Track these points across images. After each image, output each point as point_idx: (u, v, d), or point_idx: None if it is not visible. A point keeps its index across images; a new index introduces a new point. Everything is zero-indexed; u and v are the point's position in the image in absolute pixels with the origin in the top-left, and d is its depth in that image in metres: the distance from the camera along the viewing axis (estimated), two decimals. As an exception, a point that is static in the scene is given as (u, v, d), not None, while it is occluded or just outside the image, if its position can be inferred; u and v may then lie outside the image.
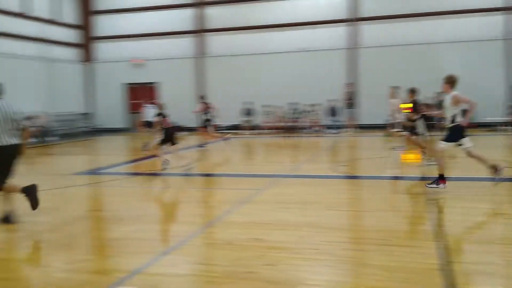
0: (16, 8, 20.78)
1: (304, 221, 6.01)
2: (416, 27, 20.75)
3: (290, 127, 20.68)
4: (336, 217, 6.27)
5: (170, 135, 10.33)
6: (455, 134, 7.36)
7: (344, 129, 19.60)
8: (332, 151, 14.53)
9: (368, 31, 21.37)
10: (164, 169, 10.28)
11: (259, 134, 20.44)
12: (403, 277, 4.05)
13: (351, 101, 18.77)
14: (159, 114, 10.66)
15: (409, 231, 5.54)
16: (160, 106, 11.11)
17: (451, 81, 7.54)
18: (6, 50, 19.95)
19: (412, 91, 10.71)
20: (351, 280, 4.14)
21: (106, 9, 24.79)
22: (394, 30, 20.97)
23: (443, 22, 20.51)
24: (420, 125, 10.41)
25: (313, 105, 20.50)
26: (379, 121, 20.55)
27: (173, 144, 10.43)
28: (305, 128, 20.52)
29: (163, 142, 10.37)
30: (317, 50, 21.77)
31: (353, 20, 21.32)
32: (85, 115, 24.99)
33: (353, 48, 21.36)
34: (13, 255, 5.02)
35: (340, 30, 21.69)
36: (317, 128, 20.12)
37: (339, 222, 6.00)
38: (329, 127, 20.05)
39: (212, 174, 10.75)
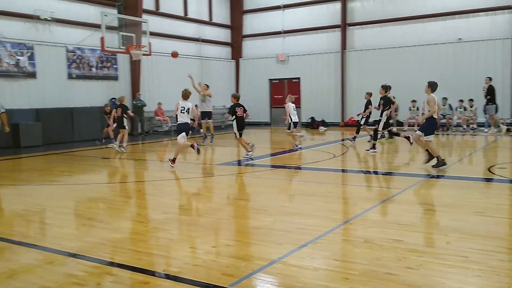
0: (179, 12, 22.94)
1: (450, 225, 5.60)
2: None
3: (440, 124, 19.33)
4: (488, 223, 5.70)
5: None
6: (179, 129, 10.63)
7: (489, 128, 17.82)
8: (487, 151, 13.25)
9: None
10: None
11: (403, 131, 19.52)
12: None
13: (490, 97, 17.16)
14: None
15: None
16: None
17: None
18: (168, 49, 22.08)
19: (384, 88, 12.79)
20: (505, 295, 3.75)
21: (254, 8, 25.90)
22: None
23: None
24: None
25: (461, 100, 18.84)
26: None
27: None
28: (457, 126, 19.02)
29: None
30: (472, 41, 20.04)
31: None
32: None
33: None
34: (166, 235, 5.56)
35: (500, 18, 19.63)
36: (472, 126, 18.46)
37: (491, 230, 5.44)
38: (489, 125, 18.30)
39: (353, 170, 10.58)
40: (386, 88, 13.00)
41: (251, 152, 11.89)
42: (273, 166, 11.61)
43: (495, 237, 5.14)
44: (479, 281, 3.98)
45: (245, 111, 12.20)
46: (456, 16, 20.50)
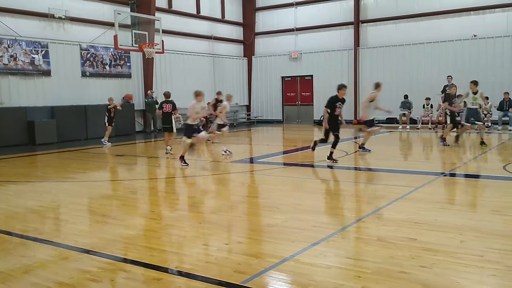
0: (191, 10, 23.02)
1: (465, 224, 5.53)
2: None
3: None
4: (504, 222, 5.62)
5: None
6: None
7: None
8: (502, 149, 13.06)
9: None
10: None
11: (417, 128, 19.35)
12: None
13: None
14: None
15: None
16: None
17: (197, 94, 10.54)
18: (181, 47, 22.24)
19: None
20: (522, 295, 3.69)
21: (266, 5, 25.86)
22: None
23: None
24: None
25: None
26: None
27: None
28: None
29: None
30: (488, 38, 19.78)
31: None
32: (246, 106, 26.59)
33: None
34: (179, 232, 5.59)
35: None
36: (486, 124, 18.19)
37: (507, 229, 5.36)
38: (504, 122, 18.07)
39: (366, 168, 10.52)
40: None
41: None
42: (286, 164, 11.59)
43: (510, 236, 5.07)
44: (494, 280, 3.92)
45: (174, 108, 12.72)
46: (472, 12, 20.23)
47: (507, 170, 9.22)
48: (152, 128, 20.30)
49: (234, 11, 25.89)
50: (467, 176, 9.09)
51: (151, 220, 6.30)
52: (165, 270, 4.33)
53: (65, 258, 4.70)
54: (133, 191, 8.47)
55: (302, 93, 25.26)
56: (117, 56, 19.18)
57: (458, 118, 13.44)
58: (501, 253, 4.50)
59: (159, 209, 7.05)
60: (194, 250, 4.85)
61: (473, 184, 8.47)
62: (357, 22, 23.02)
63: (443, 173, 9.07)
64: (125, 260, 4.62)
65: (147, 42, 17.91)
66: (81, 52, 17.91)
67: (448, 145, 12.88)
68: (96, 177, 9.86)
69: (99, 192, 8.36)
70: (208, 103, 14.39)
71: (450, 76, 17.83)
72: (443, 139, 13.16)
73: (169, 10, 21.63)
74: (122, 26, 17.19)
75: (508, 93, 17.73)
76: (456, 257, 4.40)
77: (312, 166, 10.76)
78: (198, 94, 10.60)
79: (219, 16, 24.74)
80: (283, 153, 13.52)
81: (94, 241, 5.23)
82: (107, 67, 18.89)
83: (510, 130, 16.97)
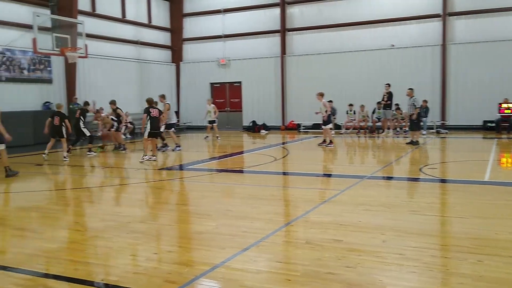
0: (116, 14, 22.36)
1: (386, 224, 5.83)
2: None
3: (375, 127, 20.12)
4: (421, 222, 5.99)
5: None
6: None
7: (384, 131, 18.97)
8: (418, 153, 13.92)
9: (460, 26, 20.42)
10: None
11: (341, 134, 20.11)
12: (495, 289, 3.78)
13: (388, 102, 18.40)
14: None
15: (503, 240, 5.14)
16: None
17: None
18: (106, 52, 21.54)
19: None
20: (438, 289, 3.95)
21: (194, 11, 25.77)
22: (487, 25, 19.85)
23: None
24: None
25: (397, 104, 19.68)
26: (471, 122, 19.70)
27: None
28: (390, 129, 19.80)
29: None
30: (405, 47, 21.06)
31: (444, 15, 20.35)
32: (175, 113, 26.20)
33: (442, 44, 20.42)
34: (105, 243, 5.39)
35: (431, 26, 20.81)
36: (405, 129, 19.31)
37: (424, 228, 5.71)
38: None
39: (294, 173, 10.76)
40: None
41: (147, 156, 12.30)
42: (215, 170, 11.57)
43: (428, 235, 5.41)
44: (414, 277, 4.16)
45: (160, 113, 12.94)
46: (390, 23, 21.44)
47: (423, 172, 9.83)
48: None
49: (161, 16, 25.53)
50: (387, 178, 9.58)
51: (75, 231, 6.02)
52: (90, 283, 4.15)
53: (-22, 277, 4.36)
54: (55, 201, 8.05)
55: (231, 99, 25.39)
56: (37, 60, 18.19)
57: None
58: (419, 250, 4.78)
59: (83, 220, 6.76)
60: (121, 261, 4.70)
61: (393, 185, 8.94)
62: (283, 30, 23.57)
63: (366, 176, 9.49)
64: (46, 276, 4.38)
65: (69, 46, 17.14)
66: (-5, 55, 16.79)
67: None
68: (13, 188, 9.25)
69: (16, 204, 7.85)
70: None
71: (388, 84, 18.66)
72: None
73: (93, 14, 20.88)
74: (42, 29, 16.32)
75: (426, 101, 18.89)
76: (378, 256, 4.62)
77: (241, 172, 10.82)
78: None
79: (145, 21, 24.27)
80: (213, 159, 13.48)
81: (10, 257, 4.91)
82: (25, 71, 17.84)
83: (423, 135, 18.11)
